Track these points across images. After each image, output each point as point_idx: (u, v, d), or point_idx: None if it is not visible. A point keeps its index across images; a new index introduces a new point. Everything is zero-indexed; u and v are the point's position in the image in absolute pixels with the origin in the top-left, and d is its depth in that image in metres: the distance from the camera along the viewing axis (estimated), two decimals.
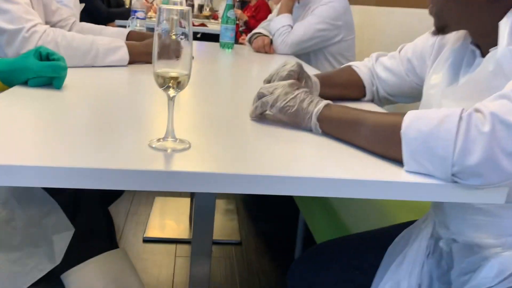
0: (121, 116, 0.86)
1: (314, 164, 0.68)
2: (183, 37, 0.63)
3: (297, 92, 0.82)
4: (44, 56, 0.99)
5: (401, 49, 1.06)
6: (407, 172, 0.65)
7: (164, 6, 0.61)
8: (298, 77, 0.94)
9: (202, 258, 1.15)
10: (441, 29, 0.83)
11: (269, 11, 4.94)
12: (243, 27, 4.53)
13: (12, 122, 0.74)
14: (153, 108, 0.98)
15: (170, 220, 2.19)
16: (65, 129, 0.74)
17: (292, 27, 2.08)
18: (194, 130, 0.79)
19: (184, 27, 0.63)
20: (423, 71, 0.98)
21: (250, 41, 2.26)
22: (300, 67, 0.95)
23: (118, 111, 0.90)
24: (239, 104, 1.06)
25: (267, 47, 2.10)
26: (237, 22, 3.60)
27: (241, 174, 0.61)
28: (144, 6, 2.16)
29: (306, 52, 2.11)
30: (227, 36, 2.10)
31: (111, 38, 1.35)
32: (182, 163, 0.63)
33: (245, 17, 4.69)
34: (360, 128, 0.73)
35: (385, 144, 0.69)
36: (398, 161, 0.67)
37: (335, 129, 0.77)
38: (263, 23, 2.33)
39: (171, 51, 0.63)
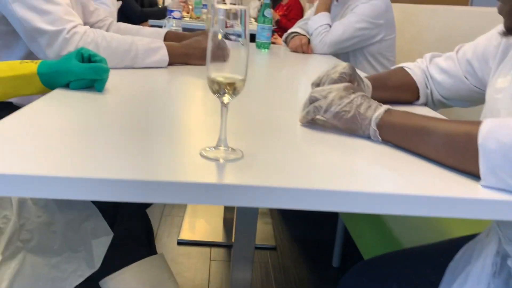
0: (167, 121, 0.82)
1: (375, 176, 0.63)
2: (238, 39, 0.59)
3: (353, 96, 0.77)
4: (86, 57, 0.97)
5: (459, 49, 0.99)
6: (484, 187, 0.59)
7: (220, 6, 0.57)
8: (350, 80, 0.88)
9: (244, 263, 1.11)
10: None
11: (301, 10, 4.88)
12: (275, 27, 4.47)
13: (54, 126, 0.71)
14: (198, 113, 0.94)
15: (204, 223, 2.16)
16: (109, 135, 0.70)
17: (330, 26, 2.02)
18: (242, 137, 0.75)
19: (239, 29, 0.59)
20: (486, 74, 0.91)
21: (286, 41, 2.21)
22: (352, 69, 0.89)
23: (163, 115, 0.86)
24: (285, 107, 1.01)
25: (305, 47, 2.04)
26: None
27: (301, 188, 0.56)
28: (180, 5, 2.13)
29: (345, 52, 2.04)
30: (264, 36, 2.05)
31: (150, 39, 1.32)
32: (238, 176, 0.58)
33: (276, 16, 4.64)
34: (428, 137, 0.66)
35: (459, 156, 0.62)
36: (473, 174, 0.60)
37: (398, 137, 0.71)
38: (300, 22, 2.27)
39: (225, 55, 0.59)
